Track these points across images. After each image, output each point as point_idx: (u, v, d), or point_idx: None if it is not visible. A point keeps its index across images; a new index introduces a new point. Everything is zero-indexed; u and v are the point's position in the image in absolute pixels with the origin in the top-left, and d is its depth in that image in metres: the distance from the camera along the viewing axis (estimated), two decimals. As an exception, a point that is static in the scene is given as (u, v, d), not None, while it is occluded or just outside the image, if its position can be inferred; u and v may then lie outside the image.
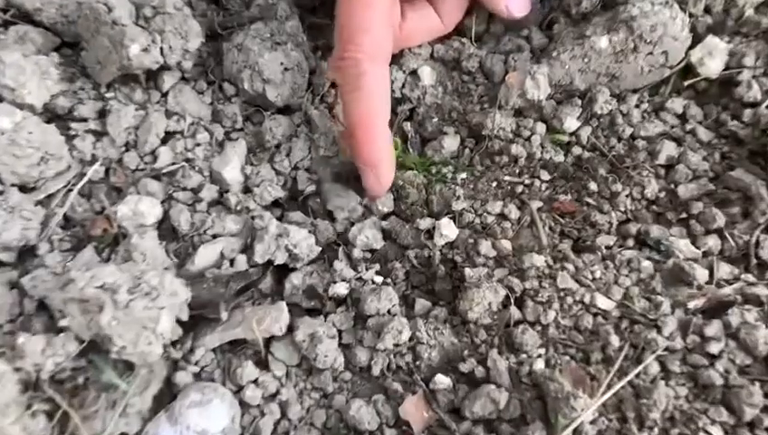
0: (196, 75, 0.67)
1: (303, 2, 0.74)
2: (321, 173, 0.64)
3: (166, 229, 0.61)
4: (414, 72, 0.67)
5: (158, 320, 0.48)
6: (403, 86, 0.67)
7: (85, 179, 0.62)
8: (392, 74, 0.67)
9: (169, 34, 0.62)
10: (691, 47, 0.64)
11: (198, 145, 0.63)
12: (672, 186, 0.60)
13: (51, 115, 0.64)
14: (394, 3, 0.62)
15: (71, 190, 0.62)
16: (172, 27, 0.62)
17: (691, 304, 0.53)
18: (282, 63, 0.62)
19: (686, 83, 0.64)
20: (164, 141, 0.63)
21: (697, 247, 0.57)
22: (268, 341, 0.55)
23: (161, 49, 0.62)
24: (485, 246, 0.58)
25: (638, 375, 0.51)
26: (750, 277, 0.56)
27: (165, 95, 0.65)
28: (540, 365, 0.52)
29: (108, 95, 0.65)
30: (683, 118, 0.63)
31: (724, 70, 0.63)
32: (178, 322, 0.53)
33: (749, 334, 0.51)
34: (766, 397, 0.49)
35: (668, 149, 0.61)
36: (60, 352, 0.48)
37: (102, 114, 0.64)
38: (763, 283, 0.55)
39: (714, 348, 0.51)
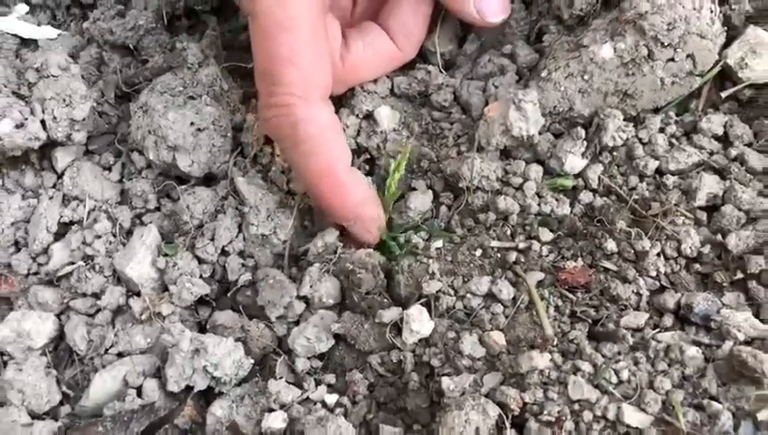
0: (102, 147, 0.54)
1: (236, 42, 0.61)
2: (258, 256, 0.50)
3: (62, 351, 0.48)
4: (369, 116, 0.53)
5: None
6: (358, 134, 0.53)
7: (-34, 293, 0.49)
8: (343, 120, 0.53)
9: (52, 103, 0.49)
10: (726, 45, 0.48)
11: (99, 237, 0.50)
12: (719, 236, 0.45)
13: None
14: (326, 23, 0.48)
15: (-54, 309, 0.49)
16: (54, 93, 0.49)
17: (764, 415, 0.37)
18: (192, 123, 0.49)
19: (724, 94, 0.48)
20: (58, 236, 0.51)
21: (763, 321, 0.41)
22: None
23: (43, 122, 0.49)
24: (470, 343, 0.43)
25: None
26: None
27: (61, 177, 0.52)
28: None
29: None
30: (725, 140, 0.47)
31: (777, 68, 0.47)
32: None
33: None
34: None
35: (709, 185, 0.46)
36: None
37: (-15, 211, 0.51)
38: None
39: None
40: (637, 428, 0.39)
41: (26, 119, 0.49)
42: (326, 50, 0.48)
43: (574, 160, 0.49)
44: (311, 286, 0.48)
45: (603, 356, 0.42)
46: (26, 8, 0.63)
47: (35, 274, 0.51)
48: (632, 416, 0.39)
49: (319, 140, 0.47)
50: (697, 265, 0.46)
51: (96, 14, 0.63)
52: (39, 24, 0.63)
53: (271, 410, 0.43)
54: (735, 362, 0.40)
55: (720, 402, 0.39)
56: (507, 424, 0.40)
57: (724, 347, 0.41)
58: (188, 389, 0.45)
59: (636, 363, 0.41)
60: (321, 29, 0.47)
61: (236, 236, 0.51)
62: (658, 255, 0.46)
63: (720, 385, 0.40)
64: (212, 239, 0.51)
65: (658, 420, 0.39)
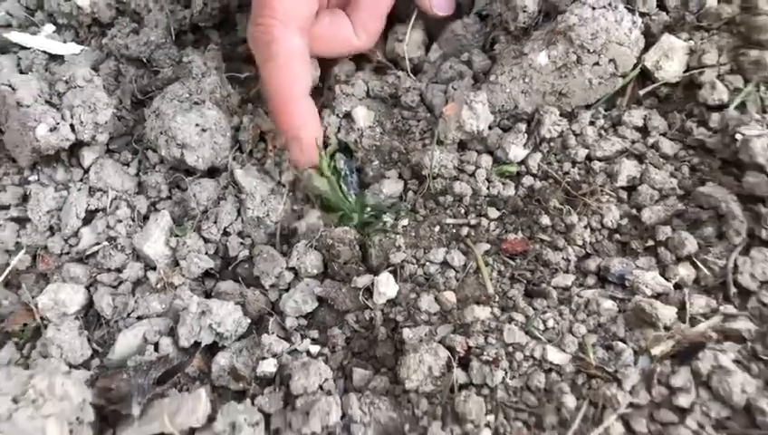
0: (121, 146, 0.64)
1: (235, 54, 0.70)
2: (254, 235, 0.59)
3: (91, 316, 0.57)
4: (348, 115, 0.62)
5: (44, 430, 0.43)
6: (338, 130, 0.62)
7: (8, 270, 0.59)
8: (325, 119, 0.62)
9: (79, 109, 0.59)
10: (645, 50, 0.57)
11: (120, 222, 0.59)
12: (635, 210, 0.53)
13: (-30, 206, 0.61)
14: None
15: (-7, 283, 0.59)
16: (81, 101, 0.59)
17: (657, 350, 0.46)
18: (197, 125, 0.58)
19: (642, 92, 0.57)
20: (86, 221, 0.60)
21: (667, 279, 0.50)
22: (192, 433, 0.50)
23: (72, 126, 0.59)
24: (427, 301, 0.52)
25: (601, 439, 0.44)
26: (729, 308, 0.48)
27: (87, 172, 0.62)
28: (486, 436, 0.46)
29: (31, 178, 0.62)
30: (644, 131, 0.56)
31: (685, 72, 0.56)
32: (90, 423, 0.48)
33: (722, 382, 0.43)
34: (749, 457, 0.42)
35: (629, 169, 0.54)
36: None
37: (25, 199, 0.61)
38: (744, 314, 0.48)
39: (683, 401, 0.44)
40: (558, 364, 0.48)
41: (58, 123, 0.58)
42: (312, 11, 0.58)
43: (517, 150, 0.58)
44: (298, 259, 0.57)
45: (534, 309, 0.51)
46: (53, 28, 0.73)
47: (67, 253, 0.60)
48: (554, 355, 0.48)
49: (285, 60, 0.57)
50: (617, 235, 0.54)
51: (113, 31, 0.72)
52: (64, 42, 0.72)
53: (264, 359, 0.52)
54: (638, 311, 0.48)
55: (625, 343, 0.48)
56: (454, 364, 0.49)
57: (633, 300, 0.50)
58: (197, 344, 0.54)
59: (560, 314, 0.50)
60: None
61: (236, 219, 0.60)
62: (585, 227, 0.55)
63: (627, 330, 0.49)
64: (215, 222, 0.60)
65: (575, 358, 0.48)
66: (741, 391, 0.43)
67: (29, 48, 0.70)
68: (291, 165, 0.59)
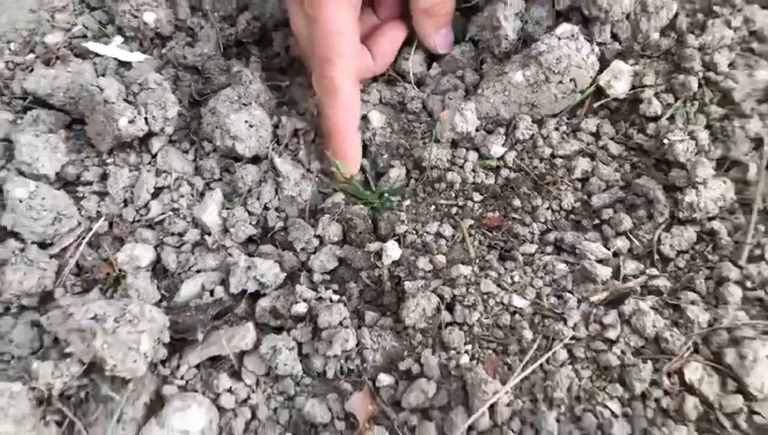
0: (181, 137, 0.79)
1: (272, 65, 0.86)
2: (287, 211, 0.75)
3: (159, 269, 0.73)
4: (365, 117, 0.78)
5: (140, 341, 0.59)
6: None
7: (92, 233, 0.74)
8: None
9: (152, 106, 0.74)
10: (600, 72, 0.72)
11: (182, 196, 0.74)
12: (586, 196, 0.69)
13: (63, 182, 0.77)
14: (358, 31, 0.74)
15: (80, 243, 0.74)
16: (153, 100, 0.74)
17: (594, 298, 0.62)
18: (246, 121, 0.74)
19: (596, 105, 0.72)
20: (154, 196, 0.75)
21: (608, 249, 0.66)
22: (241, 356, 0.65)
23: (146, 119, 0.74)
24: (423, 262, 0.67)
25: (547, 362, 0.60)
26: (654, 271, 0.64)
27: (154, 157, 0.77)
28: (465, 359, 0.61)
29: (108, 161, 0.77)
30: (596, 135, 0.72)
31: (630, 90, 0.71)
32: (165, 344, 0.64)
33: (639, 320, 0.59)
34: (655, 372, 0.57)
35: (583, 165, 0.70)
36: (66, 373, 0.60)
37: (104, 177, 0.76)
38: (664, 275, 0.63)
39: (611, 334, 0.60)
40: (520, 308, 0.63)
41: (135, 117, 0.74)
42: (358, 50, 0.73)
43: (497, 148, 0.73)
44: (323, 229, 0.72)
45: (505, 269, 0.66)
46: (122, 39, 0.88)
47: (138, 221, 0.75)
48: (518, 301, 0.63)
49: (345, 102, 0.73)
50: (572, 215, 0.69)
51: (172, 43, 0.87)
52: (131, 51, 0.87)
53: (297, 303, 0.68)
54: (583, 271, 0.64)
55: (571, 293, 0.63)
56: (442, 307, 0.64)
57: (581, 263, 0.65)
58: (243, 292, 0.70)
59: (524, 273, 0.65)
60: (357, 35, 0.73)
61: (274, 197, 0.75)
62: (547, 209, 0.70)
63: (573, 285, 0.64)
64: (257, 199, 0.75)
65: (533, 303, 0.63)
66: (652, 326, 0.59)
67: (102, 55, 0.86)
68: (328, 163, 0.75)
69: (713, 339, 0.58)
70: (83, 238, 0.74)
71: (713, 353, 0.58)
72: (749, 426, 0.54)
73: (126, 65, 0.85)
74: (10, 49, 0.86)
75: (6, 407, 0.56)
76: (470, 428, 0.58)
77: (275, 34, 0.87)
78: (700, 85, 0.68)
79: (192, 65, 0.84)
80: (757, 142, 0.64)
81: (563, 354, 0.60)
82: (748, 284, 0.60)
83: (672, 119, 0.68)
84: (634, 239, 0.65)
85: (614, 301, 0.62)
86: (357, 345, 0.64)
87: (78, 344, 0.60)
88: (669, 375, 0.57)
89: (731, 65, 0.68)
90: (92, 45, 0.86)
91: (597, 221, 0.68)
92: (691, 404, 0.55)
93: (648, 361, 0.58)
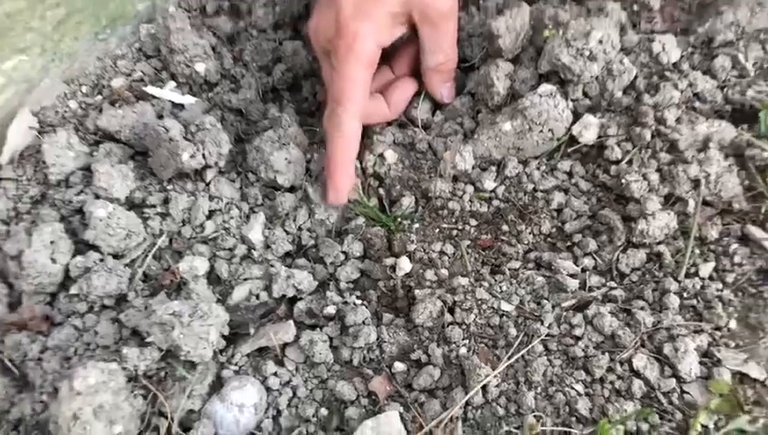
0: (229, 169, 0.95)
1: (302, 109, 1.03)
2: (318, 231, 0.91)
3: (213, 277, 0.89)
4: (381, 155, 0.94)
5: (209, 333, 0.75)
6: (375, 165, 0.94)
7: (156, 247, 0.90)
8: (366, 157, 0.94)
9: (208, 144, 0.90)
10: (573, 123, 0.89)
11: (232, 218, 0.91)
12: (561, 224, 0.85)
13: (131, 204, 0.93)
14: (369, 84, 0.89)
15: (147, 255, 0.90)
16: (209, 139, 0.90)
17: (565, 304, 0.78)
18: (286, 158, 0.90)
19: (569, 150, 0.89)
20: (208, 217, 0.91)
21: (577, 265, 0.82)
22: (284, 347, 0.82)
23: (203, 154, 0.90)
24: (430, 274, 0.84)
25: (527, 353, 0.76)
26: (612, 284, 0.80)
27: (208, 185, 0.93)
28: (463, 351, 0.77)
29: (169, 187, 0.93)
30: (570, 174, 0.88)
31: (597, 138, 0.88)
32: (223, 336, 0.80)
33: (599, 321, 0.75)
34: (611, 361, 0.74)
35: (558, 198, 0.86)
36: (148, 357, 0.76)
37: (166, 201, 0.92)
38: (620, 287, 0.80)
39: (578, 332, 0.76)
40: (507, 311, 0.80)
41: (195, 153, 0.90)
42: (367, 95, 0.90)
43: (490, 183, 0.89)
44: (348, 246, 0.88)
45: (495, 281, 0.82)
46: (174, 84, 1.04)
47: (195, 238, 0.91)
48: (505, 306, 0.80)
49: (346, 137, 0.87)
50: (549, 239, 0.86)
51: (218, 89, 1.04)
52: (183, 94, 1.04)
53: (327, 305, 0.84)
54: (557, 282, 0.80)
55: (547, 300, 0.80)
56: (445, 310, 0.81)
57: (555, 276, 0.82)
58: (283, 296, 0.85)
59: (510, 284, 0.82)
60: (368, 86, 0.89)
61: (307, 220, 0.91)
62: (529, 233, 0.86)
63: (549, 293, 0.80)
64: (294, 221, 0.91)
65: (517, 307, 0.80)
66: (609, 326, 0.75)
67: (159, 97, 1.02)
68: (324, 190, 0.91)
69: (655, 336, 0.75)
70: (149, 251, 0.90)
71: (655, 347, 0.74)
72: (680, 402, 0.71)
73: (179, 106, 1.02)
74: (82, 91, 1.03)
75: (108, 381, 0.72)
76: (467, 404, 0.74)
77: (305, 83, 1.04)
78: (653, 136, 0.85)
79: (236, 108, 1.01)
80: (696, 183, 0.81)
81: (540, 348, 0.76)
82: (684, 294, 0.77)
83: (630, 162, 0.85)
84: (597, 258, 0.82)
85: (580, 306, 0.78)
86: (377, 339, 0.80)
87: (158, 335, 0.76)
88: (621, 364, 0.74)
89: (677, 120, 0.85)
90: (150, 89, 1.02)
91: (569, 244, 0.84)
92: (637, 386, 0.72)
93: (606, 353, 0.74)
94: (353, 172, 0.91)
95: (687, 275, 0.78)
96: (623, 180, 0.82)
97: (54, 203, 0.92)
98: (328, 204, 0.90)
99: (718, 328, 0.74)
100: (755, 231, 0.78)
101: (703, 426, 0.68)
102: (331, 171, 0.88)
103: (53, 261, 0.85)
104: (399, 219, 0.89)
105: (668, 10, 0.97)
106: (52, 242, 0.86)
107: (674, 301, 0.76)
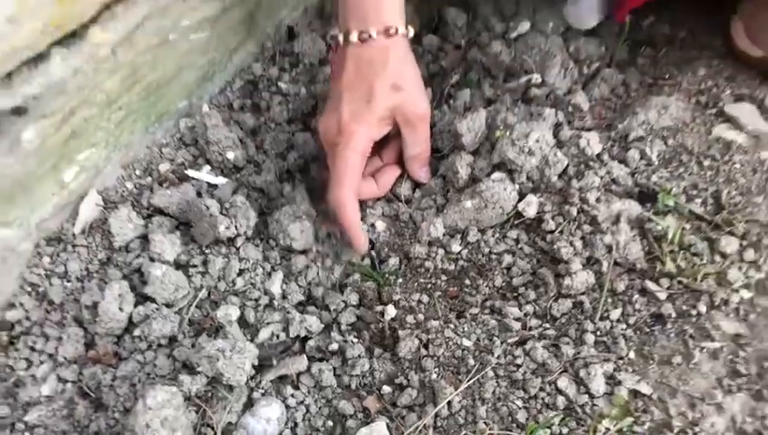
0: (255, 236, 1.21)
1: (311, 187, 1.30)
2: (324, 285, 1.18)
3: (243, 322, 1.14)
4: (372, 224, 1.21)
5: (244, 364, 1.01)
6: (367, 232, 1.21)
7: (198, 298, 1.16)
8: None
9: (239, 217, 1.17)
10: (519, 201, 1.16)
11: (257, 275, 1.17)
12: (509, 279, 1.12)
13: (178, 265, 1.19)
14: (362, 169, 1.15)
15: (191, 305, 1.16)
16: (240, 214, 1.17)
17: (510, 341, 1.04)
18: (299, 228, 1.17)
19: (516, 222, 1.16)
20: (238, 274, 1.18)
21: (521, 311, 1.08)
22: (298, 375, 1.07)
23: (235, 226, 1.17)
24: (410, 318, 1.10)
25: (482, 377, 1.02)
26: (547, 325, 1.07)
27: (238, 249, 1.20)
28: (434, 376, 1.03)
29: (207, 251, 1.19)
30: (516, 241, 1.15)
31: (537, 213, 1.15)
32: (253, 366, 1.05)
33: (535, 353, 1.01)
34: (542, 383, 1.00)
35: (507, 259, 1.13)
36: (198, 382, 1.02)
37: (205, 263, 1.18)
38: (552, 328, 1.06)
39: (519, 362, 1.02)
40: (467, 346, 1.05)
41: (230, 226, 1.17)
42: (360, 178, 1.16)
43: (456, 247, 1.16)
44: (347, 296, 1.14)
45: (459, 323, 1.08)
46: (209, 168, 1.31)
47: (228, 291, 1.17)
48: (466, 342, 1.06)
49: (348, 208, 1.09)
50: (500, 291, 1.11)
51: (244, 172, 1.29)
52: (216, 176, 1.31)
53: (331, 343, 1.09)
54: (505, 325, 1.07)
55: (497, 338, 1.06)
56: (421, 346, 1.06)
57: (505, 319, 1.08)
58: (297, 336, 1.11)
59: (470, 326, 1.08)
60: (362, 169, 1.14)
61: (316, 276, 1.18)
62: (486, 286, 1.13)
63: (499, 332, 1.07)
64: (305, 277, 1.18)
65: (475, 344, 1.06)
66: (541, 356, 1.01)
67: (197, 179, 1.29)
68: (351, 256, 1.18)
69: (575, 364, 1.01)
70: (193, 302, 1.16)
71: (574, 372, 1.00)
72: (591, 411, 0.97)
73: (213, 186, 1.28)
74: (136, 174, 1.29)
75: (170, 399, 0.97)
76: (436, 415, 1.00)
77: (313, 166, 1.30)
78: (578, 212, 1.11)
79: (258, 187, 1.27)
80: (609, 248, 1.08)
81: (491, 373, 1.02)
82: (598, 333, 1.03)
83: (561, 232, 1.12)
84: (536, 306, 1.08)
85: (521, 342, 1.04)
86: (369, 369, 1.06)
87: (206, 365, 1.01)
88: (549, 384, 0.99)
89: (597, 200, 1.12)
90: (190, 172, 1.29)
91: (515, 294, 1.10)
92: (560, 400, 0.97)
93: (539, 376, 1.00)
94: (361, 228, 1.16)
95: (601, 319, 1.04)
96: (555, 246, 1.09)
97: (118, 264, 1.18)
98: (355, 253, 1.16)
99: (621, 358, 1.00)
100: (651, 285, 1.04)
101: (606, 428, 0.94)
102: (350, 233, 1.12)
103: (121, 310, 1.11)
104: (387, 275, 1.16)
105: (597, 109, 1.25)
106: (119, 295, 1.12)
107: (590, 338, 1.02)
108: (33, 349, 1.12)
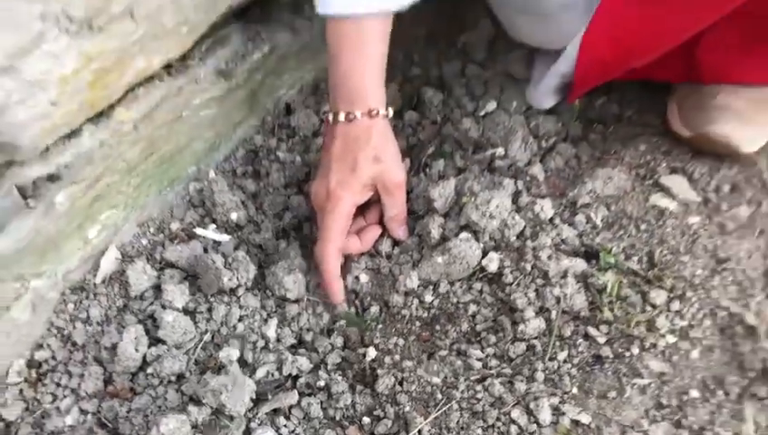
0: (254, 287, 1.38)
1: (304, 244, 1.48)
2: (314, 330, 1.35)
3: (242, 361, 1.31)
4: (357, 277, 1.39)
5: (244, 397, 1.17)
6: (352, 283, 1.39)
7: (203, 341, 1.33)
8: (347, 278, 1.38)
9: (240, 271, 1.35)
10: (483, 258, 1.34)
11: (255, 321, 1.34)
12: (474, 325, 1.29)
13: (186, 311, 1.36)
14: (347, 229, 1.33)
15: (197, 347, 1.33)
16: (242, 267, 1.35)
17: (472, 378, 1.21)
18: (293, 281, 1.35)
19: (480, 275, 1.34)
20: (239, 320, 1.35)
21: (483, 353, 1.26)
22: (290, 408, 1.23)
23: (237, 278, 1.35)
24: (388, 359, 1.27)
25: (447, 409, 1.19)
26: (504, 365, 1.24)
27: (239, 298, 1.37)
28: (407, 408, 1.20)
29: (212, 300, 1.36)
30: (480, 292, 1.33)
31: (498, 268, 1.33)
32: (251, 399, 1.22)
33: (492, 389, 1.18)
34: (499, 414, 1.16)
35: (473, 308, 1.30)
36: (204, 412, 1.18)
37: (210, 310, 1.35)
38: (509, 367, 1.23)
39: (479, 396, 1.19)
40: (435, 383, 1.22)
41: (232, 277, 1.34)
42: (345, 236, 1.33)
43: (429, 297, 1.33)
44: (333, 340, 1.31)
45: (429, 363, 1.25)
46: (215, 226, 1.49)
47: (229, 335, 1.34)
48: (435, 380, 1.23)
49: (331, 262, 1.26)
50: (466, 335, 1.29)
51: (245, 230, 1.47)
52: (221, 233, 1.49)
53: (320, 380, 1.26)
54: (468, 365, 1.24)
55: (462, 376, 1.23)
56: (397, 383, 1.23)
57: (468, 360, 1.25)
58: (290, 374, 1.28)
59: (439, 366, 1.25)
60: (347, 228, 1.32)
61: (306, 322, 1.35)
62: (454, 332, 1.30)
63: (463, 371, 1.23)
64: (297, 323, 1.35)
65: (443, 381, 1.22)
66: (498, 391, 1.18)
67: (203, 236, 1.47)
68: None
69: (527, 398, 1.18)
70: (199, 344, 1.32)
71: (526, 404, 1.17)
72: (539, 438, 1.13)
73: (218, 243, 1.47)
74: (150, 232, 1.47)
75: (181, 426, 1.13)
76: (408, 442, 1.16)
77: (305, 225, 1.48)
78: (532, 268, 1.30)
79: (258, 244, 1.45)
80: (558, 299, 1.26)
81: (456, 406, 1.19)
82: (547, 372, 1.20)
83: (518, 285, 1.30)
84: (496, 348, 1.25)
85: (482, 380, 1.21)
86: (351, 402, 1.23)
87: (210, 398, 1.18)
88: (505, 415, 1.16)
89: (548, 257, 1.30)
90: (198, 230, 1.47)
91: (478, 338, 1.28)
92: (514, 429, 1.14)
93: (496, 408, 1.17)
94: (340, 281, 1.33)
95: (550, 359, 1.21)
96: (512, 297, 1.24)
97: (134, 311, 1.35)
98: (332, 302, 1.33)
99: (565, 392, 1.17)
100: (592, 331, 1.22)
101: (550, 452, 1.11)
102: (327, 284, 1.30)
103: (136, 350, 1.28)
104: (369, 322, 1.33)
105: (552, 179, 1.45)
106: (135, 338, 1.29)
107: (540, 375, 1.19)
108: (58, 384, 1.28)
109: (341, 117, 1.20)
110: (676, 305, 1.20)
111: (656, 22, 1.14)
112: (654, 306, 1.20)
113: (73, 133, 1.26)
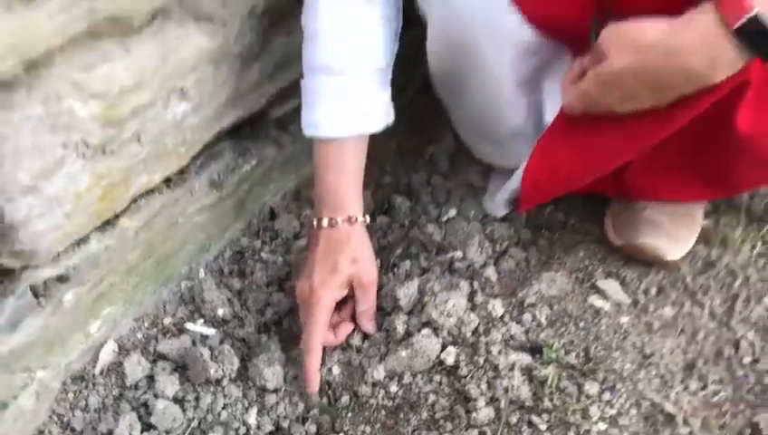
0: (237, 378, 1.52)
1: (284, 338, 1.65)
2: (290, 417, 1.50)
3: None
4: (330, 368, 1.54)
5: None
6: (325, 374, 1.55)
7: (191, 427, 1.48)
8: (321, 371, 1.54)
9: (225, 363, 1.51)
10: (442, 352, 1.51)
11: (237, 409, 1.49)
12: (434, 413, 1.45)
13: (176, 400, 1.50)
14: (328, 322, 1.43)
15: (185, 432, 1.47)
16: (227, 360, 1.51)
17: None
18: (273, 372, 1.50)
19: (439, 368, 1.51)
20: (223, 408, 1.50)
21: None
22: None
23: (222, 369, 1.51)
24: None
25: (407, 490, 1.33)
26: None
27: (223, 388, 1.52)
28: (372, 489, 1.35)
29: (199, 389, 1.50)
30: (440, 383, 1.49)
31: (455, 361, 1.50)
32: None
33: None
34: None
35: (433, 398, 1.46)
36: (191, 493, 1.32)
37: (197, 399, 1.49)
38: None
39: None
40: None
41: (218, 368, 1.50)
42: (326, 328, 1.48)
43: (394, 388, 1.48)
44: (307, 426, 1.46)
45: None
46: (203, 321, 1.66)
47: (214, 421, 1.49)
48: (397, 463, 1.38)
49: (314, 354, 1.37)
50: (426, 422, 1.45)
51: (230, 325, 1.63)
52: (208, 328, 1.65)
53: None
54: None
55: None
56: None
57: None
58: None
59: (401, 449, 1.40)
60: (327, 322, 1.45)
61: (283, 410, 1.51)
62: (416, 419, 1.45)
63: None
64: (276, 411, 1.50)
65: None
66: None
67: (192, 330, 1.64)
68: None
69: (477, 479, 1.33)
70: (187, 430, 1.47)
71: (476, 485, 1.32)
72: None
73: (206, 337, 1.63)
74: (145, 326, 1.63)
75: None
76: None
77: (285, 320, 1.66)
78: (484, 361, 1.45)
79: (241, 338, 1.61)
80: (506, 390, 1.42)
81: (415, 486, 1.34)
82: (496, 455, 1.36)
83: (472, 377, 1.47)
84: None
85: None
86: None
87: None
88: (458, 495, 1.31)
89: (498, 352, 1.47)
90: (188, 325, 1.64)
91: (437, 426, 1.41)
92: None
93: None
94: (318, 374, 1.50)
95: (504, 445, 1.37)
96: (467, 387, 1.40)
97: (128, 399, 1.50)
98: (307, 392, 1.48)
99: (511, 473, 1.33)
100: (535, 418, 1.36)
101: None
102: (310, 375, 1.45)
103: (130, 435, 1.43)
104: (339, 410, 1.48)
105: (504, 281, 1.64)
106: (130, 424, 1.43)
107: (493, 456, 1.35)
108: (58, 468, 1.42)
109: (325, 222, 1.37)
110: (606, 396, 1.37)
111: (586, 155, 1.36)
112: (588, 397, 1.37)
113: (82, 240, 1.44)
